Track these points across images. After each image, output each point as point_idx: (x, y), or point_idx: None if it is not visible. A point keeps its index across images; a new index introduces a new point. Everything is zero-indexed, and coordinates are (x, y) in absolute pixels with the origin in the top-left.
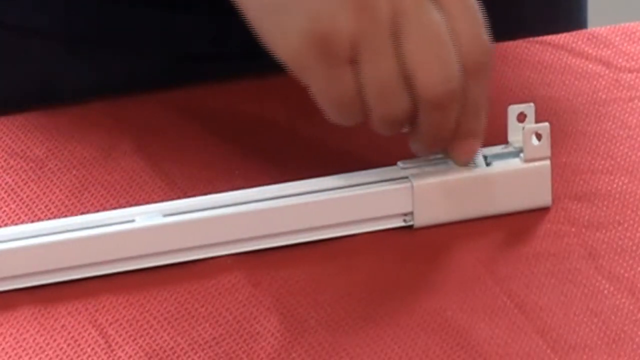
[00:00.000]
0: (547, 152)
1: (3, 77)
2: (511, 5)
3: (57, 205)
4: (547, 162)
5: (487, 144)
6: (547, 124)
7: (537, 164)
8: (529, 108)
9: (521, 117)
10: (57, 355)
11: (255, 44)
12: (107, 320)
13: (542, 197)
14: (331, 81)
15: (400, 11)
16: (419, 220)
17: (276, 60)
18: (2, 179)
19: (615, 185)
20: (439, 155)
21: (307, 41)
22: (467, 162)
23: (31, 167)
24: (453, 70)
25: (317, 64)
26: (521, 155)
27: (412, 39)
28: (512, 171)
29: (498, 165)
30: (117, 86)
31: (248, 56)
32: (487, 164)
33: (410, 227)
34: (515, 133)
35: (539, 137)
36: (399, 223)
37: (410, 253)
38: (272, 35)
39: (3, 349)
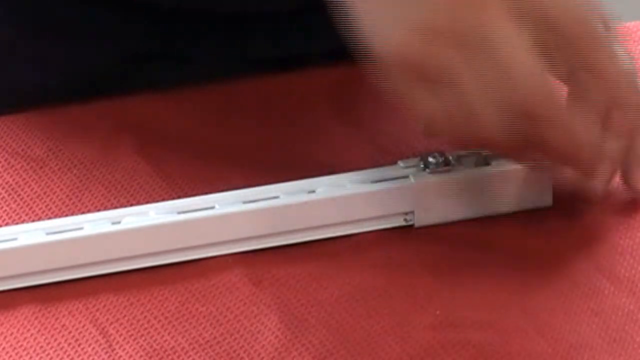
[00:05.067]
0: None
1: None
2: None
3: (57, 205)
4: (548, 162)
5: None
6: None
7: None
8: None
9: None
10: (58, 355)
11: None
12: (107, 319)
13: (542, 197)
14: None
15: None
16: (420, 220)
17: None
18: (2, 178)
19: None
20: (440, 155)
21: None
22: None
23: (32, 167)
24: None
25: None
26: None
27: None
28: (512, 171)
29: (498, 165)
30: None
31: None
32: (488, 164)
33: (411, 226)
34: None
35: None
36: (399, 222)
37: (410, 252)
38: (381, 26)
39: (3, 348)
